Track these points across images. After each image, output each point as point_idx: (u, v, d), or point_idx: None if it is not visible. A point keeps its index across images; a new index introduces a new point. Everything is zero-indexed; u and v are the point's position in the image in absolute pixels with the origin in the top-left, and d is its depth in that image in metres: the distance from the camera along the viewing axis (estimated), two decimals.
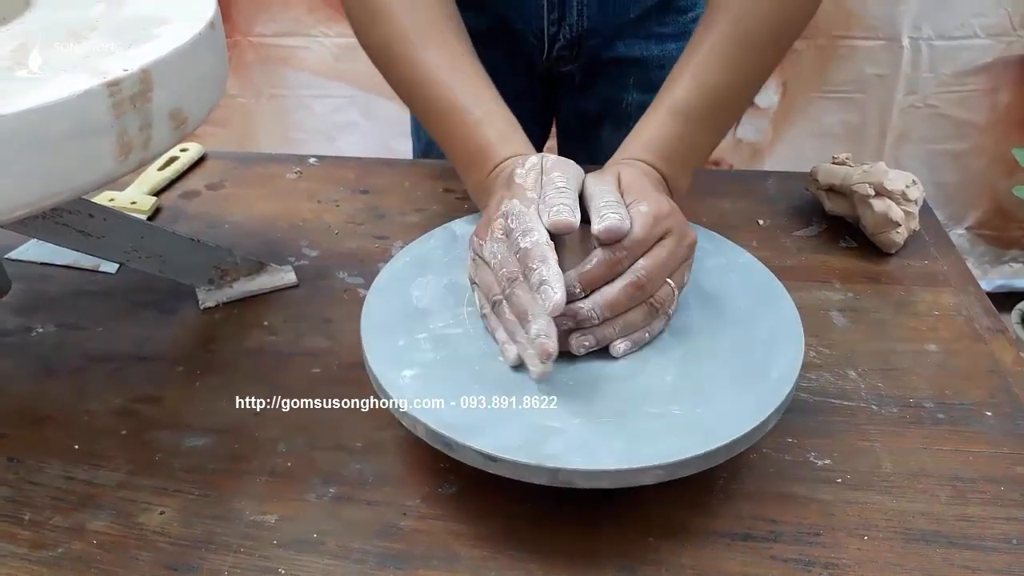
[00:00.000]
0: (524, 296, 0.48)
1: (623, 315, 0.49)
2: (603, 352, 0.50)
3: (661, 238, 0.50)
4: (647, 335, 0.50)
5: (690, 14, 0.83)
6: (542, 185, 0.51)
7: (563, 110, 0.93)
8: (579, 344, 0.49)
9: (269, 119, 1.78)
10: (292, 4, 1.66)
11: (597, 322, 0.49)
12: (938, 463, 0.51)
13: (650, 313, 0.50)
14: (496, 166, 0.59)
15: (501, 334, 0.50)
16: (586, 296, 0.49)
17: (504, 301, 0.49)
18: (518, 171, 0.53)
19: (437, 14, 0.65)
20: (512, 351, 0.49)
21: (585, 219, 0.50)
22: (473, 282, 0.54)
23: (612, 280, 0.49)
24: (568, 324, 0.48)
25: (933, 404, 0.55)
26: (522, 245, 0.48)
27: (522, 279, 0.48)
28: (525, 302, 0.47)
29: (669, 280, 0.50)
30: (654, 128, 0.60)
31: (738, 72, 0.61)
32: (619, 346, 0.49)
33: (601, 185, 0.52)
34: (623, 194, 0.51)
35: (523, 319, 0.47)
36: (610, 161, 0.60)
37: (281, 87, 1.74)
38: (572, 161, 0.54)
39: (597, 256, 0.48)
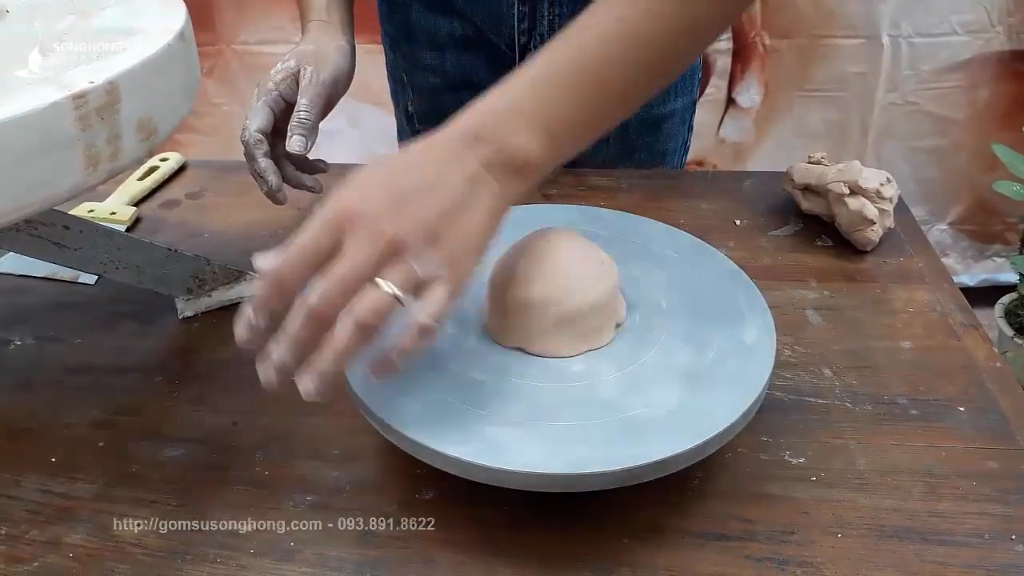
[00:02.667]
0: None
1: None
2: (575, 358, 0.50)
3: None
4: None
5: None
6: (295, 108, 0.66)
7: None
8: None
9: None
10: (275, 12, 1.66)
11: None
12: (911, 459, 0.51)
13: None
14: (315, 21, 0.73)
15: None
16: None
17: None
18: (276, 66, 0.68)
19: None
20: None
21: None
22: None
23: None
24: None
25: (907, 401, 0.55)
26: (243, 137, 0.66)
27: None
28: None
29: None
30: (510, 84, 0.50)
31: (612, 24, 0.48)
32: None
33: None
34: None
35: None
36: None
37: None
38: (331, 56, 0.70)
39: None
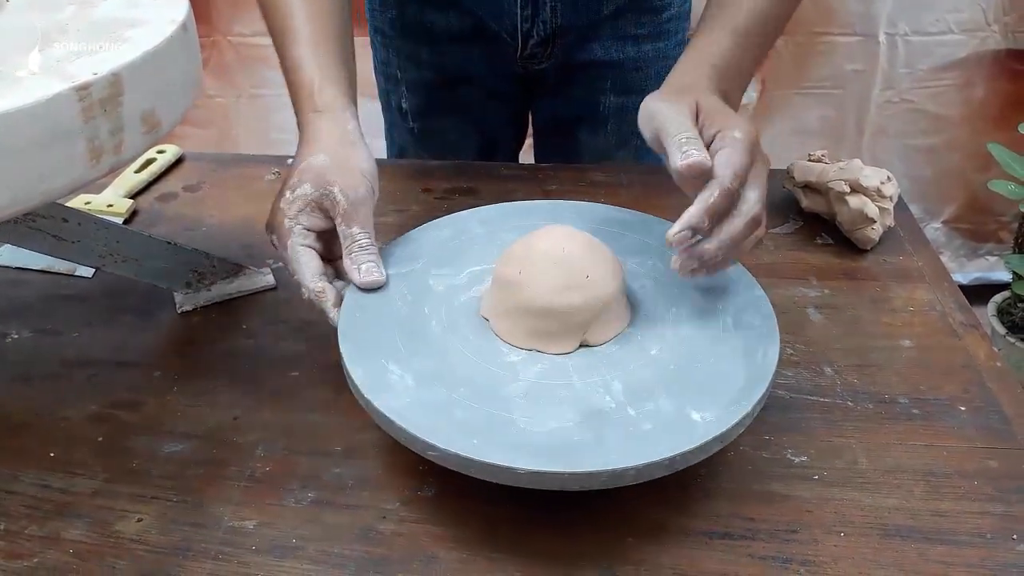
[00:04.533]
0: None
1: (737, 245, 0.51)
2: (572, 353, 0.50)
3: (753, 164, 0.50)
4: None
5: (665, 14, 0.83)
6: (342, 237, 0.54)
7: (539, 112, 0.93)
8: (686, 267, 0.50)
9: (249, 119, 1.76)
10: None
11: (720, 259, 0.50)
12: (913, 458, 0.51)
13: (757, 239, 0.52)
14: (309, 115, 0.59)
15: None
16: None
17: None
18: (286, 194, 0.55)
19: None
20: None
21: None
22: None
23: (729, 212, 0.49)
24: (694, 267, 0.50)
25: (908, 400, 0.55)
26: (301, 281, 0.53)
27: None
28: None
29: None
30: (715, 48, 0.59)
31: (780, 3, 0.62)
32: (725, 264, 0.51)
33: (676, 115, 0.51)
34: (705, 122, 0.52)
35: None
36: (674, 72, 0.59)
37: (261, 87, 1.73)
38: (357, 170, 0.55)
39: (718, 189, 0.48)
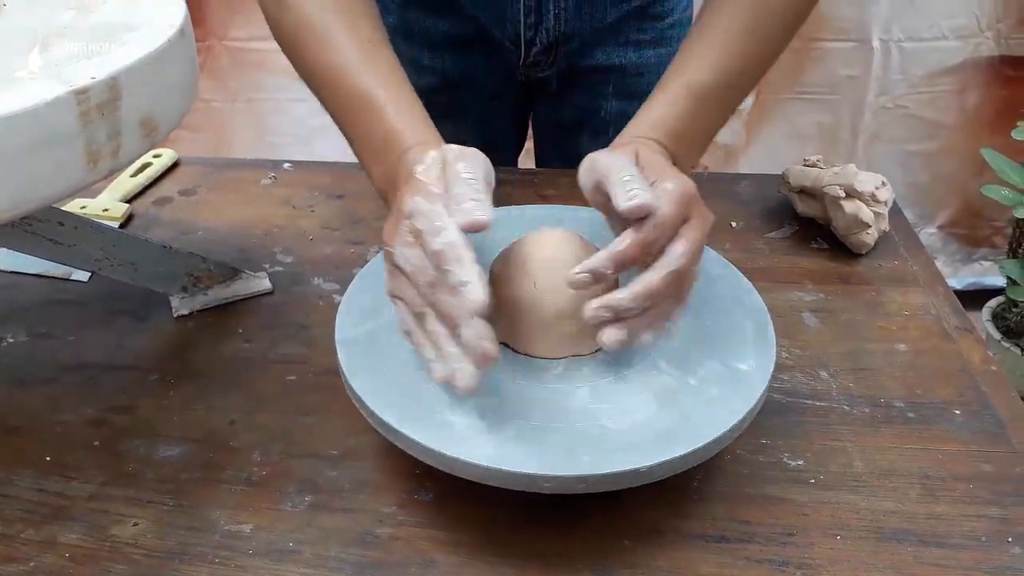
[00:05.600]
0: (450, 301, 0.43)
1: (657, 307, 0.47)
2: (563, 358, 0.50)
3: (686, 220, 0.47)
4: (667, 327, 0.49)
5: (667, 20, 0.83)
6: (447, 178, 0.47)
7: (540, 118, 0.93)
8: (613, 338, 0.45)
9: (244, 123, 1.76)
10: None
11: (637, 313, 0.46)
12: (908, 462, 0.51)
13: (678, 303, 0.48)
14: (400, 155, 0.53)
15: (428, 351, 0.46)
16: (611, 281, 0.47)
17: (428, 312, 0.45)
18: (418, 167, 0.49)
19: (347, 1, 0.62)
20: (440, 369, 0.45)
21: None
22: (394, 296, 0.49)
23: (647, 265, 0.46)
24: (605, 317, 0.45)
25: (903, 403, 0.56)
26: (434, 247, 0.43)
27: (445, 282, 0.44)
28: (452, 307, 0.43)
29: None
30: (665, 107, 0.58)
31: (749, 56, 0.60)
32: (647, 340, 0.47)
33: (618, 160, 0.49)
34: (642, 174, 0.48)
35: (452, 327, 0.44)
36: (619, 137, 0.58)
37: (256, 91, 1.73)
38: (477, 151, 0.50)
39: (631, 237, 0.45)
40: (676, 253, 0.46)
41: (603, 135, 0.62)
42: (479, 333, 0.42)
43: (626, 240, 0.45)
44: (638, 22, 0.82)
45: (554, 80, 0.86)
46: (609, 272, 0.45)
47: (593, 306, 0.45)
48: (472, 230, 0.44)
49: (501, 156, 0.96)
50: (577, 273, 0.45)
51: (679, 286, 0.47)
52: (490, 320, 0.49)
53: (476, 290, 0.41)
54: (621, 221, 0.47)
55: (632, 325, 0.46)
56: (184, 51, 0.50)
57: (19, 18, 0.50)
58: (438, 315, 0.45)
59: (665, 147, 0.56)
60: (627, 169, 0.48)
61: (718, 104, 0.60)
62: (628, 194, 0.45)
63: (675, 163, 0.56)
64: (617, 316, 0.45)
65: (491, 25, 0.80)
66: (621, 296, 0.45)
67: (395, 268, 0.47)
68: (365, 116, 0.57)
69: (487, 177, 0.49)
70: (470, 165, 0.47)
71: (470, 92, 0.86)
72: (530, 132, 0.99)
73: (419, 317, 0.46)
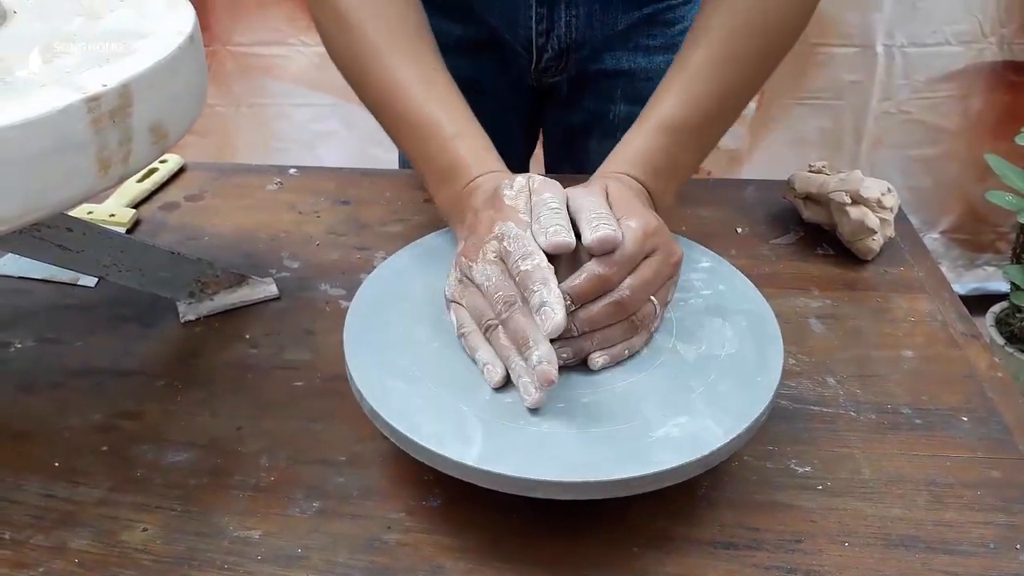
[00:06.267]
0: (524, 321, 0.47)
1: (601, 330, 0.49)
2: (581, 365, 0.50)
3: (648, 255, 0.50)
4: (626, 351, 0.50)
5: (678, 26, 0.84)
6: (532, 206, 0.51)
7: (550, 122, 0.93)
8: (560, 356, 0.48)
9: (249, 129, 1.77)
10: (271, 13, 1.65)
11: (576, 334, 0.49)
12: (916, 468, 0.51)
13: (629, 329, 0.50)
14: (469, 182, 0.58)
15: (484, 354, 0.49)
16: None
17: (500, 326, 0.48)
18: (507, 192, 0.52)
19: (407, 23, 0.64)
20: (497, 373, 0.48)
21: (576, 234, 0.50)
22: (453, 302, 0.53)
23: (599, 296, 0.48)
24: (552, 336, 0.47)
25: (910, 410, 0.56)
26: (523, 268, 0.47)
27: (521, 303, 0.47)
28: (525, 327, 0.46)
29: (653, 298, 0.50)
30: (641, 142, 0.60)
31: (726, 88, 0.61)
32: (597, 360, 0.49)
33: (589, 197, 0.51)
34: (611, 208, 0.51)
35: (522, 345, 0.46)
36: (596, 174, 0.60)
37: (261, 96, 1.73)
38: (555, 181, 0.53)
39: (588, 271, 0.48)
40: (623, 285, 0.49)
41: (611, 139, 0.62)
42: (546, 356, 0.45)
43: (583, 274, 0.48)
44: (648, 28, 0.83)
45: (564, 85, 0.86)
46: (567, 303, 0.47)
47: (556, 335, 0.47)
48: (558, 251, 0.48)
49: (511, 161, 0.96)
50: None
51: (621, 315, 0.49)
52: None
53: (558, 313, 0.44)
54: (590, 256, 0.49)
55: (573, 344, 0.49)
56: (194, 58, 0.50)
57: (29, 25, 0.50)
58: (508, 332, 0.48)
59: (642, 183, 0.58)
60: (598, 207, 0.50)
61: (696, 137, 0.62)
62: (593, 228, 0.48)
63: (652, 197, 0.59)
64: (559, 335, 0.47)
65: (503, 30, 0.81)
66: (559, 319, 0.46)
67: (468, 281, 0.51)
68: (429, 143, 0.61)
69: (564, 202, 0.51)
70: (554, 195, 0.51)
71: (481, 97, 0.86)
72: (539, 136, 0.99)
73: (488, 328, 0.49)
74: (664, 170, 0.60)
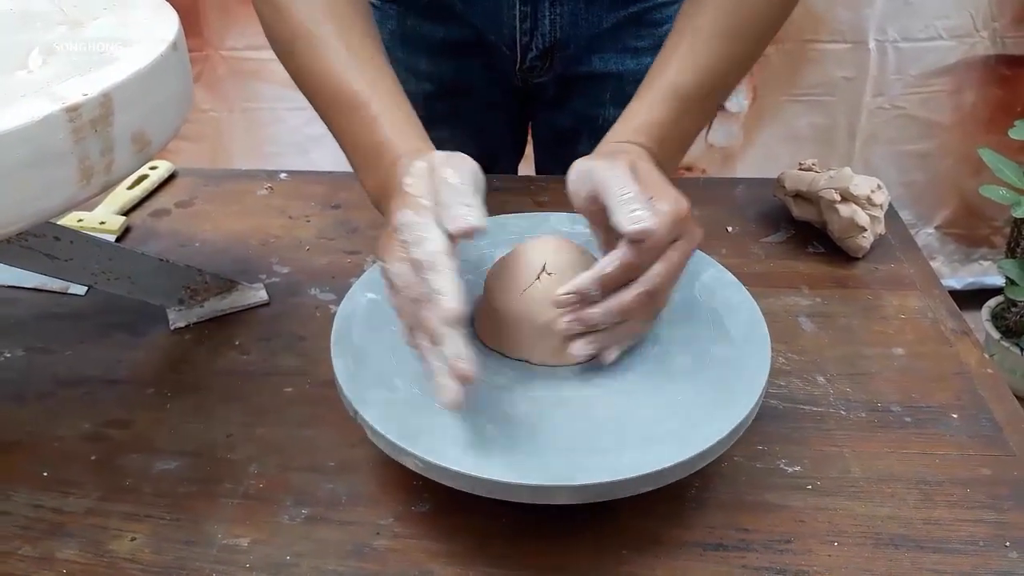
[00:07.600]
0: (431, 317, 0.43)
1: (627, 322, 0.48)
2: (562, 365, 0.50)
3: (676, 239, 0.48)
4: (633, 341, 0.49)
5: (665, 27, 0.83)
6: (435, 186, 0.46)
7: (539, 124, 0.93)
8: (582, 351, 0.48)
9: (242, 133, 1.77)
10: None
11: (607, 328, 0.47)
12: (906, 467, 0.51)
13: (649, 320, 0.49)
14: (392, 165, 0.53)
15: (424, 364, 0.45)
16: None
17: (417, 326, 0.45)
18: (406, 180, 0.48)
19: (338, 4, 0.61)
20: (448, 391, 0.42)
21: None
22: (395, 309, 0.49)
23: (627, 284, 0.46)
24: (577, 329, 0.47)
25: (900, 408, 0.56)
26: (415, 257, 0.43)
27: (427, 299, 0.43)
28: (433, 324, 0.42)
29: None
30: (649, 111, 0.58)
31: (728, 59, 0.60)
32: (610, 355, 0.48)
33: (614, 172, 0.48)
34: (640, 186, 0.48)
35: (436, 343, 0.43)
36: (607, 139, 0.57)
37: (254, 101, 1.73)
38: (464, 155, 0.49)
39: (620, 258, 0.46)
40: (653, 273, 0.47)
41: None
42: (456, 352, 0.41)
43: (615, 262, 0.46)
44: (635, 28, 0.82)
45: (552, 86, 0.86)
46: (595, 293, 0.46)
47: (567, 319, 0.47)
48: (465, 236, 0.43)
49: (501, 164, 0.96)
50: (564, 294, 0.46)
51: (651, 304, 0.48)
52: (485, 327, 0.49)
53: (450, 300, 0.41)
54: (608, 232, 0.48)
55: (602, 338, 0.48)
56: (177, 65, 0.50)
57: (9, 34, 0.50)
58: (424, 329, 0.44)
59: (652, 152, 0.56)
60: (627, 185, 0.47)
61: (700, 106, 0.60)
62: (631, 216, 0.45)
63: (659, 167, 0.56)
64: (588, 329, 0.47)
65: (487, 30, 0.80)
66: (594, 311, 0.46)
67: (389, 283, 0.47)
68: (357, 125, 0.56)
69: (476, 181, 0.47)
70: (457, 170, 0.46)
71: (468, 99, 0.87)
72: (530, 140, 0.99)
73: (411, 331, 0.46)
74: (670, 139, 0.58)
